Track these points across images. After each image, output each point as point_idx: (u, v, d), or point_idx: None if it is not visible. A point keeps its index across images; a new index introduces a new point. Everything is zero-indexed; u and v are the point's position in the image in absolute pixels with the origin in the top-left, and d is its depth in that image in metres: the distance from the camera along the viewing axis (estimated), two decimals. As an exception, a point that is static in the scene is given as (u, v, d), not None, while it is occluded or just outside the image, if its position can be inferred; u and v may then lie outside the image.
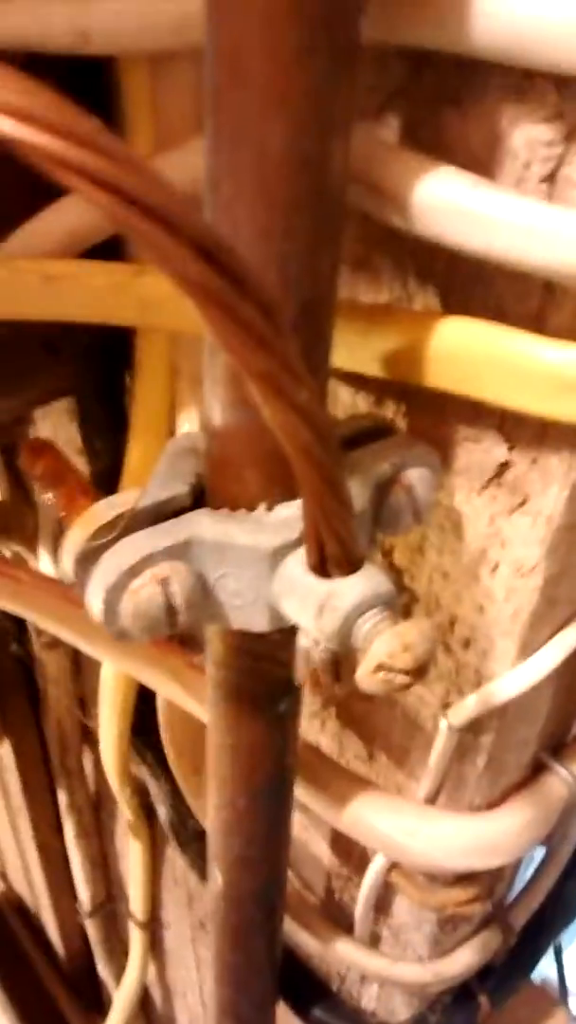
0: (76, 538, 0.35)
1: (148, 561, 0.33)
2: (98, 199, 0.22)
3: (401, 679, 0.32)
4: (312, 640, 0.34)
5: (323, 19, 0.25)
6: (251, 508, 0.35)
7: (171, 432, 0.54)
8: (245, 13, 0.25)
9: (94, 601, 0.34)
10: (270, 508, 0.35)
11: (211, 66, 0.27)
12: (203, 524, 0.34)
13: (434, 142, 0.34)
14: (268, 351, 0.26)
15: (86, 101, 0.45)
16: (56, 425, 0.70)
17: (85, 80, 0.45)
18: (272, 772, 0.46)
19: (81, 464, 0.64)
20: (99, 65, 0.44)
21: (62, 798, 1.12)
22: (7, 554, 0.77)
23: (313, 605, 0.33)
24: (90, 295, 0.43)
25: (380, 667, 0.31)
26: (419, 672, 0.31)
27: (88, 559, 0.34)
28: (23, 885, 1.48)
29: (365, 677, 0.32)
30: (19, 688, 1.07)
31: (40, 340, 0.59)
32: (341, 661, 0.35)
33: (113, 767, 0.79)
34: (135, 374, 0.54)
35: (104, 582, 0.33)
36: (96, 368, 0.58)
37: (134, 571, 0.33)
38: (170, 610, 0.34)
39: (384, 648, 0.31)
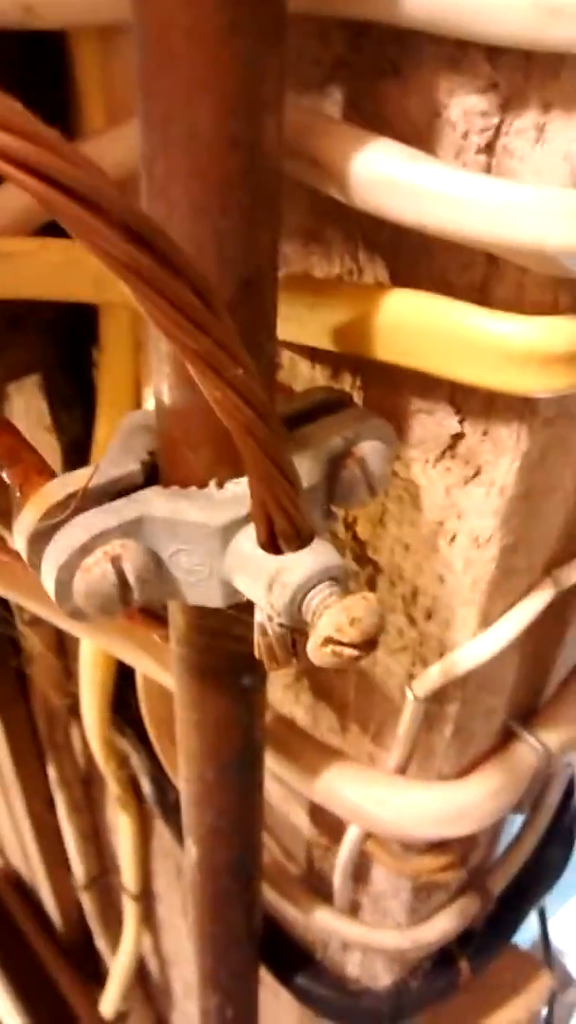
0: (28, 517, 0.35)
1: (100, 539, 0.33)
2: (24, 183, 0.22)
3: (350, 652, 0.32)
4: (266, 615, 0.35)
5: (246, -2, 0.25)
6: (202, 485, 0.35)
7: (138, 405, 0.54)
8: (168, -8, 0.25)
9: (47, 580, 0.34)
10: (221, 485, 0.35)
11: (138, 47, 0.27)
12: (154, 502, 0.34)
13: (376, 113, 0.34)
14: (202, 330, 0.26)
15: (42, 76, 0.45)
16: (29, 399, 0.70)
17: (42, 56, 0.45)
18: (239, 745, 0.46)
19: (51, 439, 0.64)
20: (54, 39, 0.44)
21: (52, 773, 1.13)
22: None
23: (264, 581, 0.33)
24: (46, 272, 0.43)
25: (328, 640, 0.32)
26: (367, 645, 0.32)
27: (40, 539, 0.34)
28: (19, 859, 1.49)
29: (315, 651, 0.32)
30: (5, 663, 1.07)
31: (2, 315, 0.59)
32: (296, 635, 0.35)
33: (97, 741, 0.80)
34: (100, 348, 0.54)
35: (56, 561, 0.33)
36: (61, 343, 0.58)
37: (85, 549, 0.33)
38: (123, 587, 0.34)
39: (331, 622, 0.31)
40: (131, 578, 0.34)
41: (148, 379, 0.52)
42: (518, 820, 0.70)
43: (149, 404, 0.52)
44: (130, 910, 1.10)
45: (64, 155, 0.22)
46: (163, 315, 0.26)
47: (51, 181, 0.22)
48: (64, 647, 0.93)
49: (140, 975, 1.28)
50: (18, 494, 0.39)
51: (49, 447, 0.64)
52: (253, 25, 0.26)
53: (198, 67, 0.26)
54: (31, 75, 0.45)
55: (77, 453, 0.61)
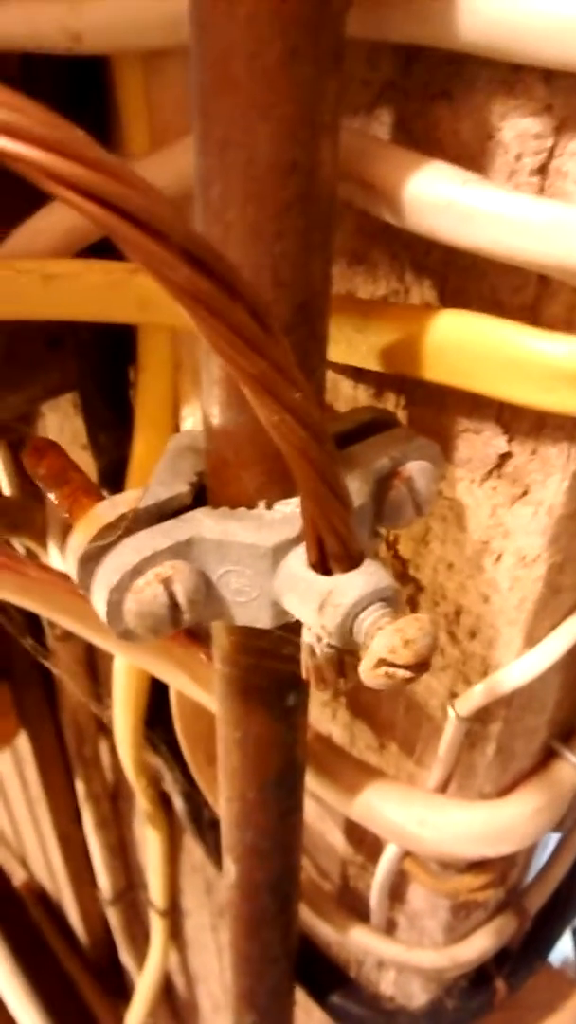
0: (79, 539, 0.35)
1: (151, 561, 0.34)
2: (86, 209, 0.23)
3: (403, 674, 0.32)
4: (315, 636, 0.35)
5: (307, 24, 0.25)
6: (251, 506, 0.35)
7: (175, 426, 0.54)
8: (229, 19, 0.25)
9: (98, 602, 0.34)
10: (270, 505, 0.35)
11: (197, 71, 0.27)
12: (204, 523, 0.35)
13: (427, 136, 0.35)
14: (259, 354, 0.26)
15: (85, 99, 0.46)
16: (63, 419, 0.70)
17: (85, 78, 0.45)
18: (281, 764, 0.46)
19: (87, 459, 0.64)
20: (96, 64, 0.44)
21: (80, 788, 1.13)
22: (20, 550, 0.77)
23: (315, 602, 0.33)
24: (89, 294, 0.43)
25: (382, 663, 0.32)
26: (421, 667, 0.32)
27: (91, 560, 0.34)
28: (45, 874, 1.49)
29: (367, 673, 0.32)
30: (35, 680, 1.07)
31: (42, 336, 0.59)
32: (345, 656, 0.35)
33: (128, 758, 0.80)
34: (138, 369, 0.54)
35: (107, 583, 0.33)
36: (99, 363, 0.58)
37: (137, 571, 0.33)
38: (174, 609, 0.34)
39: (385, 644, 0.31)
40: (182, 599, 0.34)
41: (186, 400, 0.52)
42: (553, 838, 0.70)
43: (187, 424, 0.53)
44: (157, 926, 1.10)
45: (126, 181, 0.22)
46: (222, 339, 0.26)
47: (113, 207, 0.23)
48: (94, 663, 0.94)
49: (166, 991, 1.27)
50: (67, 515, 0.39)
51: (84, 467, 0.64)
52: (313, 51, 0.26)
53: (258, 92, 0.26)
54: (74, 99, 0.45)
55: (114, 473, 0.61)
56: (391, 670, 0.32)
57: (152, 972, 1.16)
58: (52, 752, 1.15)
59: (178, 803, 0.79)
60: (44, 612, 0.61)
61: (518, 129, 0.32)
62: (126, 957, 1.38)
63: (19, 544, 0.78)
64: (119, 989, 1.49)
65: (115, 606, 0.33)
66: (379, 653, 0.31)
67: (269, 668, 0.41)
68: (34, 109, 0.21)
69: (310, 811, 0.67)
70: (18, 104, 0.21)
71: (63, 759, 1.15)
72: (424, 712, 0.52)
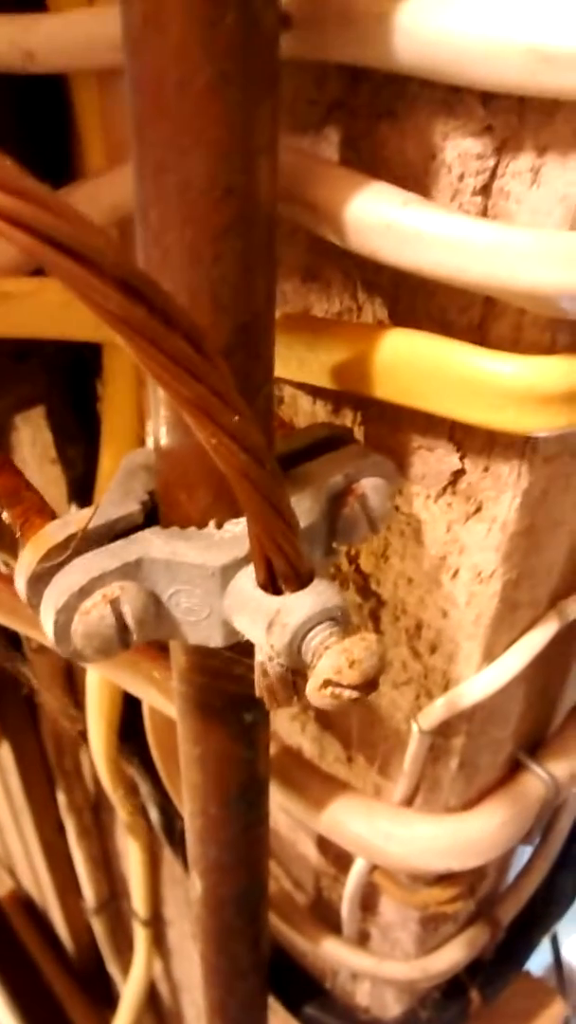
0: (28, 559, 0.35)
1: (98, 582, 0.33)
2: (16, 239, 0.23)
3: (349, 694, 0.32)
4: (267, 655, 0.34)
5: (236, 49, 0.25)
6: (201, 525, 0.35)
7: (141, 439, 0.54)
8: (159, 45, 0.25)
9: (46, 623, 0.34)
10: (220, 525, 0.35)
11: (131, 96, 0.27)
12: (153, 543, 0.34)
13: (373, 155, 0.35)
14: (196, 378, 0.26)
15: (44, 116, 0.46)
16: (35, 431, 0.70)
17: (44, 96, 0.45)
18: (242, 780, 0.46)
19: (58, 471, 0.64)
20: (55, 81, 0.44)
21: (61, 798, 1.13)
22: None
23: (263, 621, 0.33)
24: (46, 312, 0.43)
25: (328, 683, 0.31)
26: (367, 687, 0.32)
27: (39, 580, 0.34)
28: (31, 884, 1.49)
29: (314, 693, 0.32)
30: (16, 690, 1.07)
31: (10, 349, 0.59)
32: (298, 676, 0.35)
33: (105, 769, 0.80)
34: (104, 382, 0.54)
35: (54, 604, 0.33)
36: (65, 377, 0.58)
37: (84, 592, 0.33)
38: (122, 629, 0.34)
39: (331, 664, 0.31)
40: (130, 620, 0.34)
41: (150, 414, 0.52)
42: (528, 848, 0.70)
43: (151, 440, 0.53)
44: (140, 935, 1.10)
45: (55, 210, 0.22)
46: (157, 365, 0.26)
47: (43, 236, 0.23)
48: (72, 675, 0.93)
49: (151, 1000, 1.27)
50: (18, 534, 0.39)
51: (56, 479, 0.65)
52: (243, 76, 0.26)
53: (190, 118, 0.26)
54: (34, 117, 0.45)
55: (83, 485, 0.61)
56: (337, 690, 0.32)
57: (136, 981, 1.16)
58: (34, 762, 1.15)
59: (153, 815, 0.79)
60: (16, 626, 0.61)
61: (460, 149, 0.32)
62: (112, 966, 1.38)
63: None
64: (106, 998, 1.48)
65: (62, 627, 0.33)
66: (325, 673, 0.31)
67: (225, 687, 0.41)
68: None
69: (282, 822, 0.67)
70: None
71: (45, 770, 1.15)
72: (389, 726, 0.52)
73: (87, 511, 0.36)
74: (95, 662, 0.34)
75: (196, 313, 0.29)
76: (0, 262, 0.43)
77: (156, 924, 1.09)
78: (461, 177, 0.32)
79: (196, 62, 0.25)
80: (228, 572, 0.34)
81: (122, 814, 0.89)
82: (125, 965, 1.27)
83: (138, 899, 1.04)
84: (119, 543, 0.35)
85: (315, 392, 0.44)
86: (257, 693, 0.36)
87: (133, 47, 0.26)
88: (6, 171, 0.22)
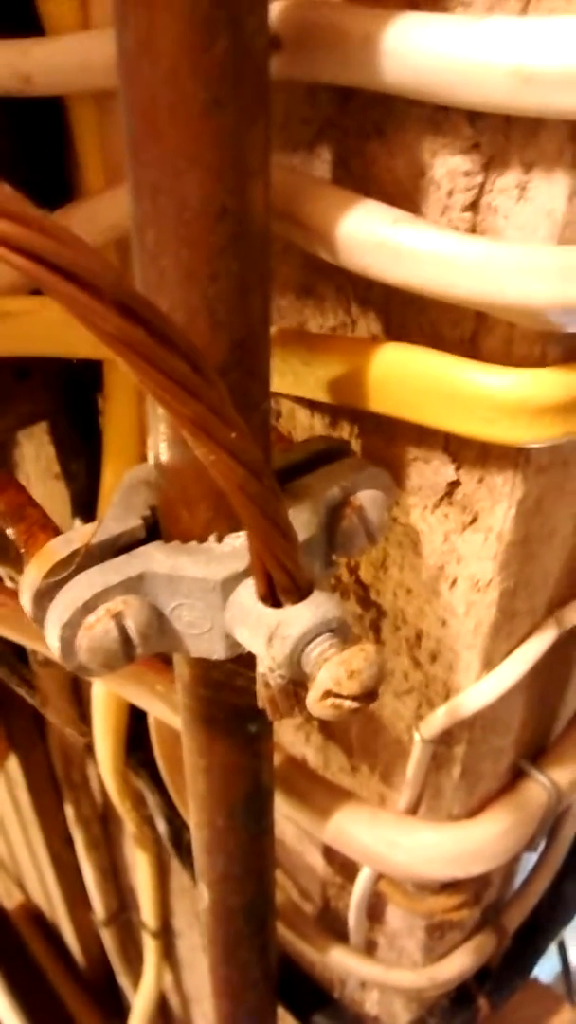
0: (32, 575, 0.36)
1: (102, 597, 0.34)
2: (17, 264, 0.23)
3: (349, 704, 0.32)
4: (268, 667, 0.35)
5: (228, 74, 0.26)
6: (202, 539, 0.35)
7: (143, 453, 0.55)
8: (152, 71, 0.26)
9: (51, 638, 0.34)
10: (220, 539, 0.35)
11: (126, 120, 0.27)
12: (155, 558, 0.35)
13: (364, 173, 0.35)
14: (193, 397, 0.27)
15: (45, 137, 0.46)
16: (38, 447, 0.71)
17: (44, 117, 0.46)
18: (248, 791, 0.46)
19: (61, 486, 0.65)
20: (55, 103, 0.45)
21: (69, 811, 1.14)
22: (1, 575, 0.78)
23: (264, 634, 0.33)
24: (45, 330, 0.44)
25: (328, 694, 0.32)
26: (367, 697, 0.32)
27: (44, 596, 0.35)
28: (41, 896, 1.49)
29: (314, 704, 0.32)
30: (23, 704, 1.07)
31: (10, 368, 0.60)
32: (299, 687, 0.35)
33: (112, 781, 0.80)
34: (105, 397, 0.55)
35: (59, 619, 0.34)
36: (66, 393, 0.59)
37: (88, 607, 0.34)
38: (126, 643, 0.34)
39: (331, 675, 0.32)
40: (133, 634, 0.34)
41: (151, 429, 0.53)
42: (533, 855, 0.70)
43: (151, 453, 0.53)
44: (150, 947, 1.10)
45: (55, 236, 0.23)
46: (156, 384, 0.26)
47: (43, 261, 0.23)
48: (79, 687, 0.94)
49: (162, 1012, 1.27)
50: (22, 550, 0.39)
51: (60, 493, 0.65)
52: (235, 100, 0.27)
53: (183, 142, 0.27)
54: (34, 137, 0.46)
55: (86, 498, 0.61)
56: (337, 701, 0.32)
57: (147, 993, 1.16)
58: (42, 775, 1.15)
59: (161, 826, 0.79)
60: (22, 640, 0.62)
61: (448, 166, 0.32)
62: (122, 978, 1.38)
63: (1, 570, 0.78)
64: (117, 1010, 1.49)
65: (67, 642, 0.34)
66: (325, 684, 0.32)
67: (229, 697, 0.41)
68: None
69: (289, 832, 0.67)
70: None
71: (53, 782, 1.15)
72: (392, 735, 0.52)
73: (90, 527, 0.37)
74: (100, 676, 0.35)
75: (193, 332, 0.30)
76: (0, 282, 0.44)
77: (166, 935, 1.09)
78: (450, 193, 0.33)
79: (189, 88, 0.26)
80: (229, 585, 0.34)
81: (130, 826, 0.89)
82: (135, 977, 1.27)
83: (147, 910, 1.04)
84: (122, 558, 0.35)
85: (312, 406, 0.44)
86: (260, 704, 0.36)
87: (127, 74, 0.27)
88: (6, 198, 0.23)
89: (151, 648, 0.35)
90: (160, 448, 0.34)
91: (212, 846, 0.49)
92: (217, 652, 0.36)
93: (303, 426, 0.45)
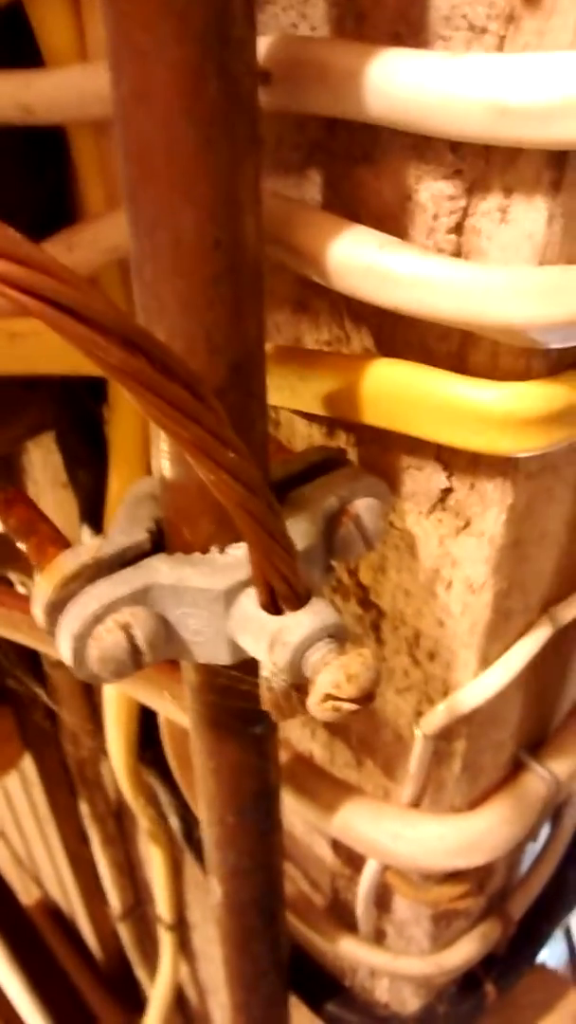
0: (43, 588, 0.37)
1: (110, 608, 0.36)
2: (23, 303, 0.25)
3: (348, 707, 0.34)
4: (270, 671, 0.37)
5: (219, 116, 0.27)
6: (205, 550, 0.37)
7: (148, 463, 0.56)
8: (147, 117, 0.27)
9: (63, 649, 0.36)
10: (222, 550, 0.37)
11: (123, 161, 0.29)
12: (161, 570, 0.37)
13: (353, 196, 0.37)
14: (194, 421, 0.28)
15: (48, 163, 0.48)
16: (46, 455, 0.72)
17: (46, 142, 0.47)
18: (256, 789, 0.48)
19: (68, 495, 0.66)
20: (56, 130, 0.46)
21: (84, 808, 1.15)
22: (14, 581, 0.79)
23: (266, 640, 0.35)
24: (53, 349, 0.46)
25: (327, 697, 0.33)
26: (365, 699, 0.34)
27: (55, 609, 0.37)
28: (58, 892, 1.51)
29: (315, 707, 0.34)
30: (37, 703, 1.09)
31: (18, 379, 0.61)
32: (301, 690, 0.37)
33: (124, 779, 0.82)
34: (110, 408, 0.56)
35: (70, 631, 0.35)
36: (72, 403, 0.60)
37: (97, 619, 0.35)
38: (134, 652, 0.36)
39: (330, 679, 0.33)
40: (141, 643, 0.36)
41: (155, 440, 0.54)
42: (538, 844, 0.72)
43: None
44: (166, 940, 1.11)
45: (58, 276, 0.24)
46: (157, 410, 0.28)
47: (48, 300, 0.25)
48: (90, 688, 0.96)
49: (179, 1003, 1.29)
50: (34, 564, 0.41)
51: (67, 500, 0.67)
52: (227, 139, 0.28)
53: (177, 180, 0.28)
54: (36, 162, 0.48)
55: (93, 506, 0.63)
56: (337, 703, 0.34)
57: (163, 985, 1.17)
58: (57, 773, 1.17)
59: (174, 822, 0.81)
60: (35, 645, 0.63)
61: (432, 191, 0.34)
62: (139, 971, 1.40)
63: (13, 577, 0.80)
64: (135, 1002, 1.50)
65: (79, 652, 0.35)
66: (325, 688, 0.33)
67: (235, 700, 0.43)
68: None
69: (297, 826, 0.69)
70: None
71: (67, 780, 1.17)
72: (394, 731, 0.54)
73: (97, 540, 0.39)
74: (111, 683, 0.36)
75: (191, 357, 0.31)
76: (9, 305, 0.46)
77: (181, 928, 1.11)
78: (435, 216, 0.34)
79: (182, 130, 0.27)
80: (231, 595, 0.36)
81: (143, 822, 0.91)
82: (152, 970, 1.29)
83: (162, 904, 1.06)
84: (128, 570, 0.37)
85: (310, 416, 0.46)
86: (264, 706, 0.38)
87: (123, 118, 0.28)
88: (11, 241, 0.24)
89: (159, 656, 0.37)
90: (163, 466, 0.36)
91: (223, 843, 0.51)
92: (221, 658, 0.38)
93: (301, 434, 0.47)
